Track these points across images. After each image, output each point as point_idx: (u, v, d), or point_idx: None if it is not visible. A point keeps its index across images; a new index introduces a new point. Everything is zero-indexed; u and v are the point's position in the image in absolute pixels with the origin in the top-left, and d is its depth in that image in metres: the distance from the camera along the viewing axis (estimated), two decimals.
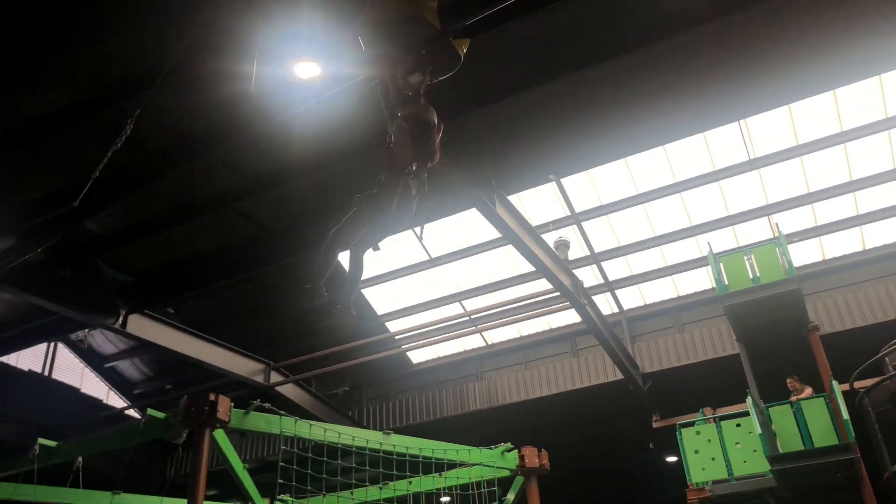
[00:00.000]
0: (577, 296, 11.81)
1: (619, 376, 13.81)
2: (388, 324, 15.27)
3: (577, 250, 13.45)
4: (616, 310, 14.79)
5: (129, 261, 11.08)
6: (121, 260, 10.98)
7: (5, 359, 16.31)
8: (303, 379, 14.76)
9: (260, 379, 13.81)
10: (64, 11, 6.98)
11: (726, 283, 11.93)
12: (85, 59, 7.51)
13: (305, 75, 6.95)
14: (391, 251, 13.62)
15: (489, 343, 15.87)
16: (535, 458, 11.97)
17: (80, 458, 11.47)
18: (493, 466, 11.82)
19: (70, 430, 16.75)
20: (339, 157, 9.06)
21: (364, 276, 14.30)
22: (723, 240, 13.70)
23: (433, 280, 14.42)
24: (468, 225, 13.09)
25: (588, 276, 13.70)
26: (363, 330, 14.74)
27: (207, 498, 10.87)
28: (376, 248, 5.36)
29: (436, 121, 5.25)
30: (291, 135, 8.44)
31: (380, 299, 15.01)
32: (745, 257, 12.11)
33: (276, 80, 6.95)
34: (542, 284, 12.84)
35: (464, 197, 9.34)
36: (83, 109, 8.04)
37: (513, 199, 10.09)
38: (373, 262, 13.95)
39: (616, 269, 14.26)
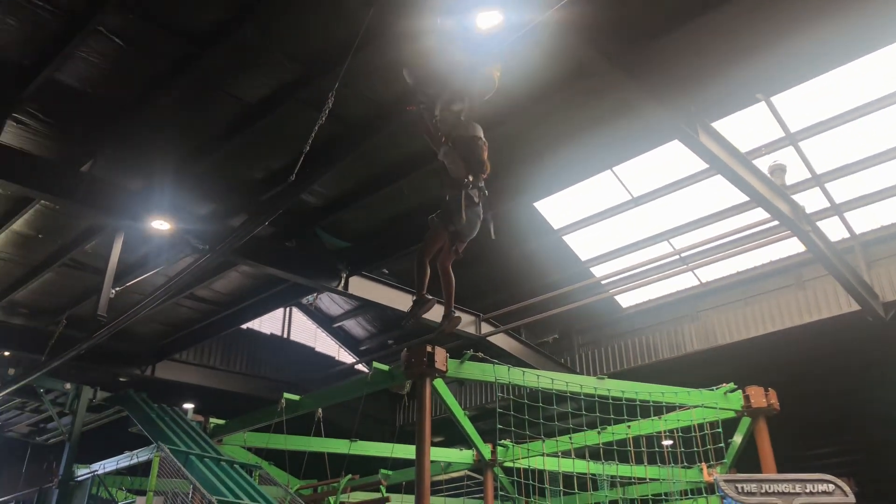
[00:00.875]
0: (798, 223, 10.82)
1: (855, 307, 12.53)
2: (593, 269, 15.04)
3: (795, 174, 12.26)
4: (847, 235, 13.35)
5: (345, 227, 11.90)
6: (338, 226, 11.83)
7: (252, 325, 18.36)
8: (512, 328, 15.05)
9: (471, 330, 14.29)
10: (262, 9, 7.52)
11: None
12: (284, 41, 8.06)
13: (486, 25, 6.93)
14: (590, 195, 13.31)
15: (703, 281, 15.08)
16: (761, 397, 11.34)
17: (319, 410, 12.72)
18: (715, 408, 11.37)
19: (309, 385, 18.58)
20: (526, 104, 9.00)
21: (563, 223, 14.24)
22: None
23: (638, 220, 13.91)
24: (671, 158, 12.40)
25: (811, 201, 12.45)
26: (568, 277, 14.66)
27: (434, 444, 11.59)
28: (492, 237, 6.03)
29: (480, 135, 5.89)
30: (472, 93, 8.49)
31: (583, 245, 14.80)
32: None
33: (458, 33, 6.97)
34: (759, 214, 11.91)
35: (663, 129, 8.87)
36: (288, 90, 8.67)
37: (718, 125, 9.38)
38: (571, 209, 13.76)
39: (843, 190, 12.81)
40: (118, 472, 13.66)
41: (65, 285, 13.67)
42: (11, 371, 13.94)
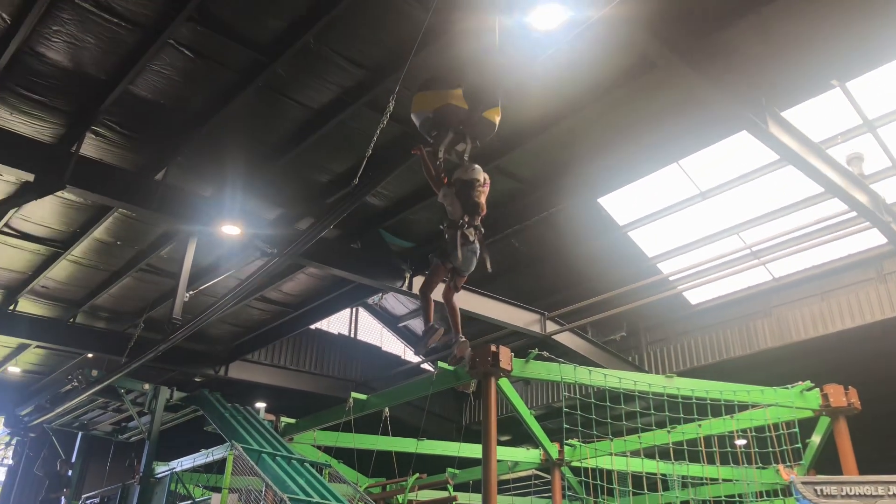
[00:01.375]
0: (878, 213, 10.38)
1: None
2: (661, 265, 14.76)
3: (874, 162, 11.75)
4: None
5: (409, 227, 12.02)
6: (401, 227, 11.96)
7: (320, 325, 18.73)
8: (578, 327, 14.90)
9: (536, 329, 14.21)
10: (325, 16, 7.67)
11: None
12: (346, 47, 8.19)
13: (544, 25, 6.92)
14: (656, 190, 13.07)
15: (776, 276, 14.61)
16: (841, 396, 10.91)
17: (387, 409, 12.87)
18: (791, 407, 11.00)
19: (375, 383, 18.83)
20: (588, 100, 8.92)
21: (629, 219, 14.02)
22: None
23: (706, 214, 13.57)
24: (740, 150, 12.05)
25: (891, 190, 11.92)
26: (635, 273, 14.43)
27: (500, 443, 11.57)
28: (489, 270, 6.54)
29: (480, 178, 6.26)
30: (537, 87, 8.46)
31: (649, 241, 14.53)
32: None
33: (517, 32, 6.96)
34: (835, 206, 11.48)
35: (730, 120, 8.63)
36: (351, 94, 8.81)
37: (789, 114, 9.07)
38: (636, 204, 13.52)
39: None
40: (195, 470, 14.11)
41: (142, 289, 14.24)
42: (95, 372, 14.58)
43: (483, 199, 6.27)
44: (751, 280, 14.88)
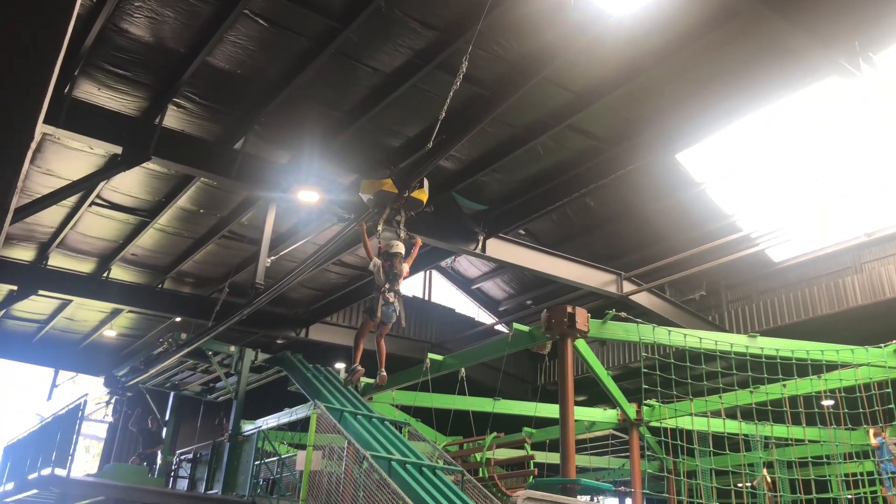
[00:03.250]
0: None
1: None
2: (741, 222, 14.28)
3: None
4: None
5: (481, 190, 11.99)
6: (474, 190, 11.93)
7: None
8: (655, 286, 14.65)
9: (612, 289, 14.05)
10: None
11: None
12: (417, 8, 8.13)
13: None
14: (735, 145, 12.57)
15: (867, 231, 13.95)
16: None
17: (463, 370, 13.04)
18: (883, 367, 10.58)
19: (450, 345, 19.06)
20: (655, 59, 8.66)
21: (706, 176, 13.58)
22: None
23: (789, 170, 13.01)
24: (825, 99, 11.43)
25: None
26: (714, 231, 14.02)
27: (576, 403, 11.57)
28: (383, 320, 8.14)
29: (403, 251, 8.12)
30: (611, 41, 8.23)
31: (728, 197, 14.06)
32: None
33: None
34: None
35: (819, 67, 8.17)
36: (422, 56, 8.77)
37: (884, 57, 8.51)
38: (714, 160, 13.06)
39: None
40: (279, 428, 14.70)
41: (225, 256, 14.75)
42: (184, 336, 15.28)
43: (405, 268, 8.13)
44: (839, 235, 14.27)
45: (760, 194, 13.67)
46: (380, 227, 8.08)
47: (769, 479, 13.15)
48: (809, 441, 11.56)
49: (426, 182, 8.12)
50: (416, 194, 8.00)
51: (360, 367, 8.44)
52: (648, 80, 9.10)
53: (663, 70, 8.91)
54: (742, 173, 13.14)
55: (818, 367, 10.58)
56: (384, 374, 8.71)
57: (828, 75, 8.26)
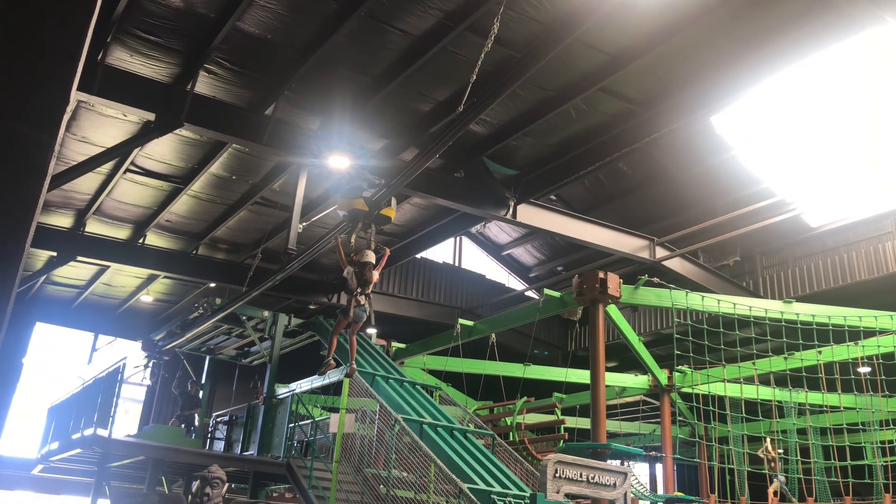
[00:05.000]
0: None
1: None
2: (776, 187, 14.00)
3: None
4: None
5: (512, 155, 11.88)
6: (505, 155, 11.83)
7: (425, 254, 19.06)
8: (689, 252, 14.47)
9: (645, 255, 13.90)
10: None
11: None
12: None
13: None
14: (769, 108, 12.25)
15: None
16: None
17: (493, 335, 13.09)
18: None
19: (480, 311, 19.12)
20: (691, 18, 8.41)
21: (741, 140, 13.27)
22: None
23: (824, 132, 12.67)
24: (862, 58, 11.04)
25: None
26: (749, 196, 13.77)
27: (607, 369, 11.58)
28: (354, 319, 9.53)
29: (373, 260, 9.34)
30: (641, 5, 8.01)
31: (763, 161, 13.78)
32: None
33: None
34: None
35: (853, 21, 7.88)
36: (452, 18, 8.64)
37: None
38: (749, 124, 12.76)
39: None
40: (312, 392, 14.94)
41: (257, 222, 14.88)
42: (218, 301, 15.52)
43: (375, 275, 9.35)
44: (878, 199, 13.92)
45: (797, 159, 13.36)
46: (352, 240, 9.47)
47: (771, 450, 12.89)
48: (845, 408, 11.44)
49: (394, 200, 9.42)
50: (384, 211, 9.28)
51: (331, 361, 9.78)
52: (684, 40, 8.87)
53: (699, 29, 8.68)
54: (778, 136, 12.84)
55: (855, 334, 10.42)
56: (354, 366, 10.17)
57: (863, 29, 7.97)
